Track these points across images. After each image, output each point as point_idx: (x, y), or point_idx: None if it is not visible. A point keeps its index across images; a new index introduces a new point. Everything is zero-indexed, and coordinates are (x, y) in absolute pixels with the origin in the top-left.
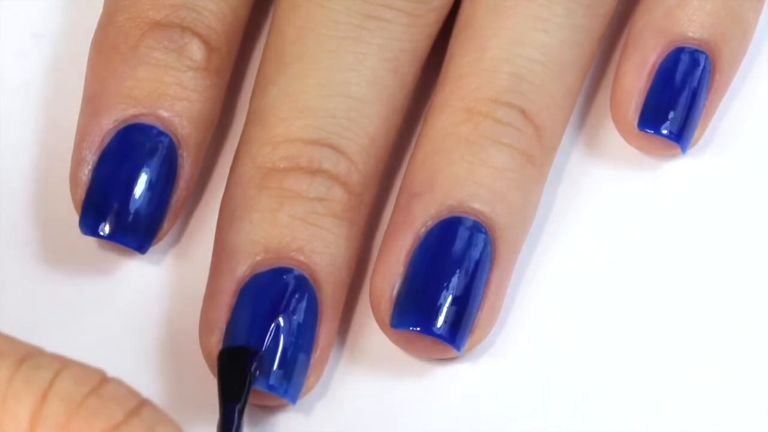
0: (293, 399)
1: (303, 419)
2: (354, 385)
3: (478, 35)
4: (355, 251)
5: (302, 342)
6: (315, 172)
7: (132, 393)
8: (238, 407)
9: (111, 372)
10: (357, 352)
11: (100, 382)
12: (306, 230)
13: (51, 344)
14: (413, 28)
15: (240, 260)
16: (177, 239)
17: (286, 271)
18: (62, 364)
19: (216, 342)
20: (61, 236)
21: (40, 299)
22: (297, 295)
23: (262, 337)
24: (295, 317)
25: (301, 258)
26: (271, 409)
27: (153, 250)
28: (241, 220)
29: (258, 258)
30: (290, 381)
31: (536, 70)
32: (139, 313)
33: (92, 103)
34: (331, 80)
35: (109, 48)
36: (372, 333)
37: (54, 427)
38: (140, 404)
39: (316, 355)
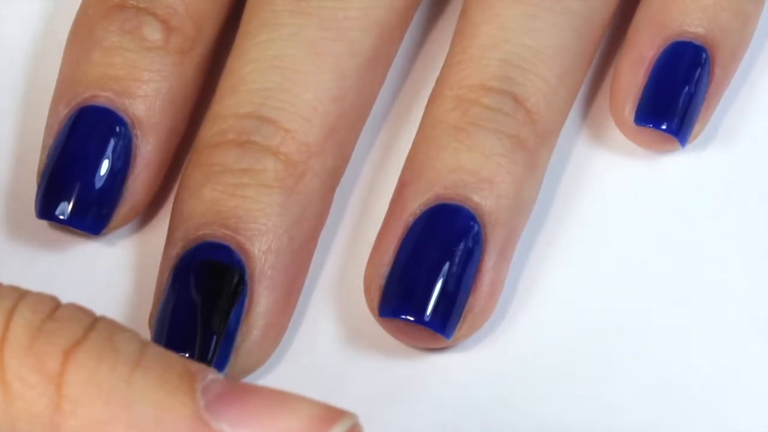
0: (222, 370)
1: None
2: (349, 373)
3: (469, 24)
4: (299, 218)
5: (235, 313)
6: (243, 144)
7: (86, 311)
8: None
9: None
10: (352, 341)
11: (54, 306)
12: (230, 201)
13: None
14: None
15: (172, 239)
16: (149, 221)
17: (212, 245)
18: (20, 294)
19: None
20: (27, 221)
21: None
22: (222, 269)
23: (188, 316)
24: (222, 290)
25: (224, 230)
26: None
27: (122, 232)
28: (176, 199)
29: (185, 234)
30: (224, 354)
31: (526, 55)
32: (97, 294)
33: (55, 89)
34: (265, 53)
35: (73, 34)
36: (367, 321)
37: (20, 352)
38: (95, 320)
39: (249, 323)
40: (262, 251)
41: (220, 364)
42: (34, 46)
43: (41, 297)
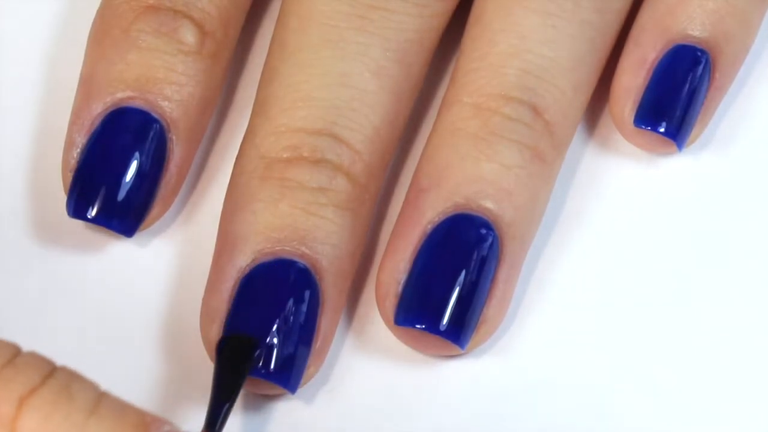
0: (293, 389)
1: (304, 409)
2: (356, 377)
3: (487, 30)
4: (359, 241)
5: (303, 333)
6: (317, 162)
7: (46, 360)
8: (226, 406)
9: (102, 354)
10: (361, 344)
11: (14, 354)
12: (308, 220)
13: (41, 324)
14: (418, 18)
15: (242, 250)
16: (171, 224)
17: (288, 261)
18: None
19: (216, 330)
20: (54, 219)
21: (32, 282)
22: (298, 286)
23: (261, 328)
24: (295, 308)
25: (303, 248)
26: (272, 398)
27: (146, 233)
28: (244, 210)
29: (259, 248)
30: (290, 371)
31: (545, 65)
32: (132, 298)
33: (84, 86)
34: (333, 70)
35: (103, 32)
36: (376, 326)
37: None
38: (54, 368)
39: (317, 345)
40: (334, 274)
41: (295, 383)
42: (41, 45)
43: (1, 344)
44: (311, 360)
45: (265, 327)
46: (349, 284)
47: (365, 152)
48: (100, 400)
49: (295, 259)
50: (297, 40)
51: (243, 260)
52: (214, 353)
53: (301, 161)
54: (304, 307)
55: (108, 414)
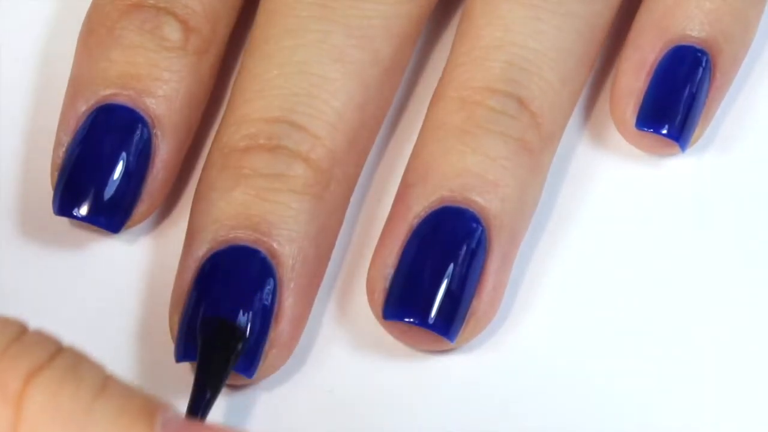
0: (250, 375)
1: (294, 405)
2: (348, 374)
3: (473, 25)
4: (324, 226)
5: (263, 318)
6: (273, 149)
7: (53, 339)
8: (208, 393)
9: (87, 351)
10: (354, 341)
11: (21, 331)
12: (262, 206)
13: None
14: (383, 4)
15: (198, 240)
16: (161, 221)
17: (242, 248)
18: None
19: (176, 320)
20: (42, 217)
21: (19, 279)
22: (254, 272)
23: (220, 314)
24: (253, 293)
25: (257, 234)
26: (266, 397)
27: (134, 231)
28: (201, 200)
29: (213, 236)
30: (251, 359)
31: (530, 57)
32: (114, 291)
33: (71, 86)
34: (292, 59)
35: (89, 32)
36: (371, 323)
37: None
38: (61, 348)
39: (279, 327)
40: (292, 257)
41: (248, 369)
42: (36, 45)
43: (7, 321)
44: (272, 344)
45: (231, 313)
46: (315, 268)
47: (327, 138)
48: (106, 382)
49: (248, 245)
50: (262, 33)
51: (199, 250)
52: (175, 339)
53: (258, 149)
54: (262, 293)
55: (114, 396)
